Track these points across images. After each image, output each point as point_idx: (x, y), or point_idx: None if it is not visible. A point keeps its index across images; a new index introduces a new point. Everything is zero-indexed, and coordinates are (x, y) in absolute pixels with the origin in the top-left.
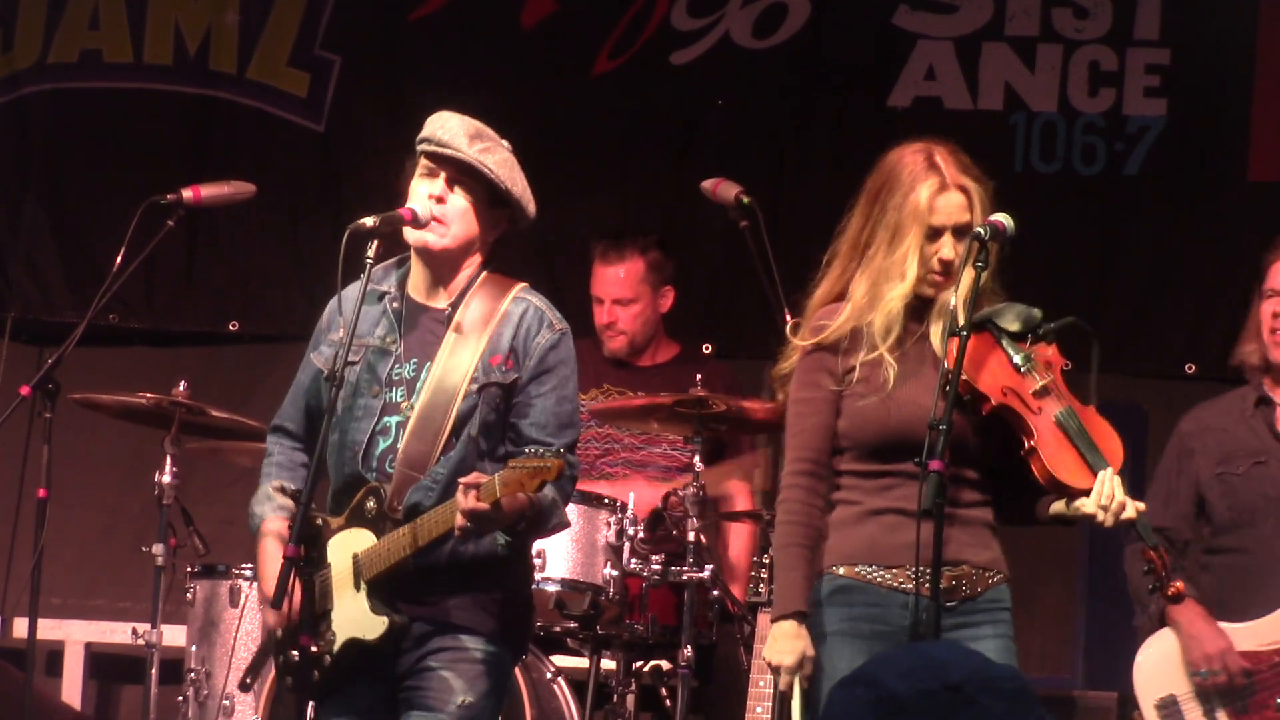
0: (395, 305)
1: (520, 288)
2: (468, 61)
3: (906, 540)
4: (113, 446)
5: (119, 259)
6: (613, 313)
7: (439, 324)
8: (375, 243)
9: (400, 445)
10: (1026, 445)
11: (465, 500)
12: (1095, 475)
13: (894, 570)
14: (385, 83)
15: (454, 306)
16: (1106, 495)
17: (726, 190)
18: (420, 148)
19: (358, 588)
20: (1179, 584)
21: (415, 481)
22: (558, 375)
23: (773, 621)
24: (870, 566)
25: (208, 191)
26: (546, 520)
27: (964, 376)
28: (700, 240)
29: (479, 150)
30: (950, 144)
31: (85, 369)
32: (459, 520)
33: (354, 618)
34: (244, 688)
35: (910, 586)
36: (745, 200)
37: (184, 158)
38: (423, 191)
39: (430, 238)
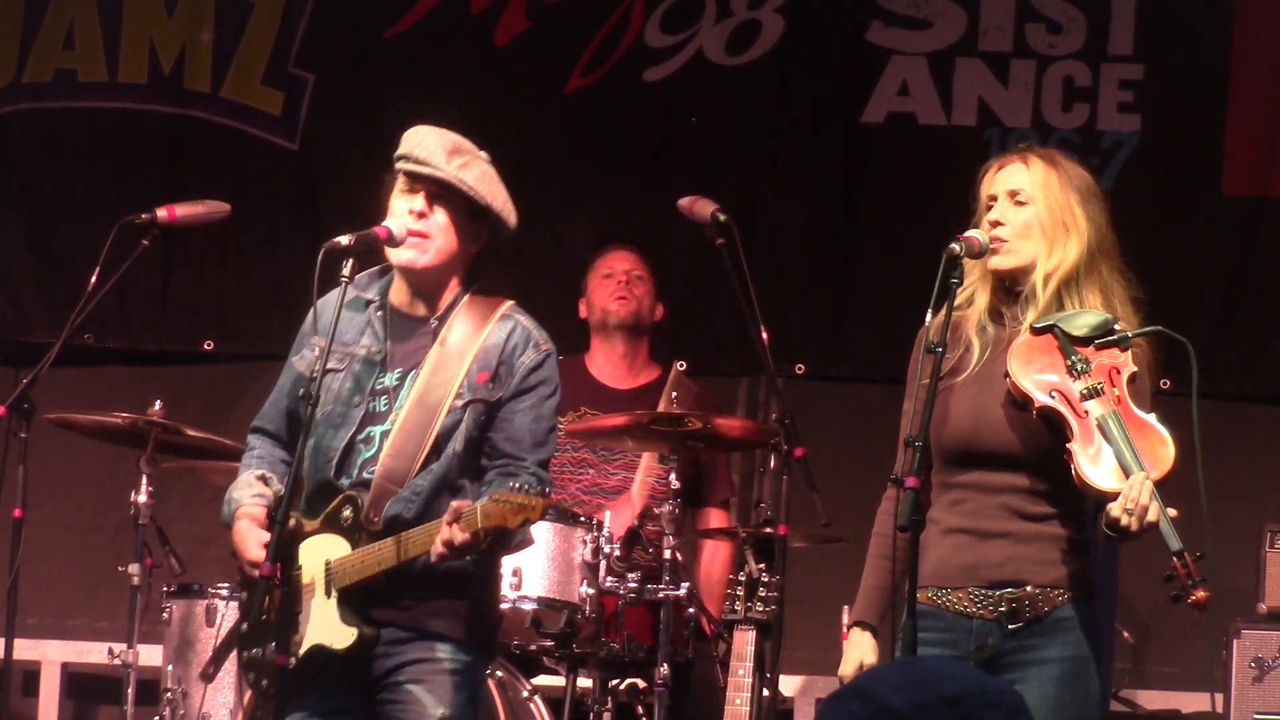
0: (380, 314)
1: (508, 306)
2: (441, 79)
3: (968, 561)
4: (88, 466)
5: (94, 279)
6: (629, 279)
7: (425, 336)
8: (351, 261)
9: (381, 456)
10: (1066, 448)
11: (447, 531)
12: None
13: (958, 593)
14: (359, 100)
15: (440, 320)
16: (1132, 499)
17: (702, 208)
18: (398, 165)
19: (328, 594)
20: (1202, 593)
21: (393, 493)
22: (537, 394)
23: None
24: (940, 590)
25: (182, 211)
26: (510, 539)
27: (1012, 379)
28: (676, 258)
29: (458, 166)
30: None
31: (61, 389)
32: (437, 548)
33: (323, 625)
34: (205, 678)
35: (974, 610)
36: (721, 218)
37: (159, 177)
38: (402, 208)
39: (411, 254)
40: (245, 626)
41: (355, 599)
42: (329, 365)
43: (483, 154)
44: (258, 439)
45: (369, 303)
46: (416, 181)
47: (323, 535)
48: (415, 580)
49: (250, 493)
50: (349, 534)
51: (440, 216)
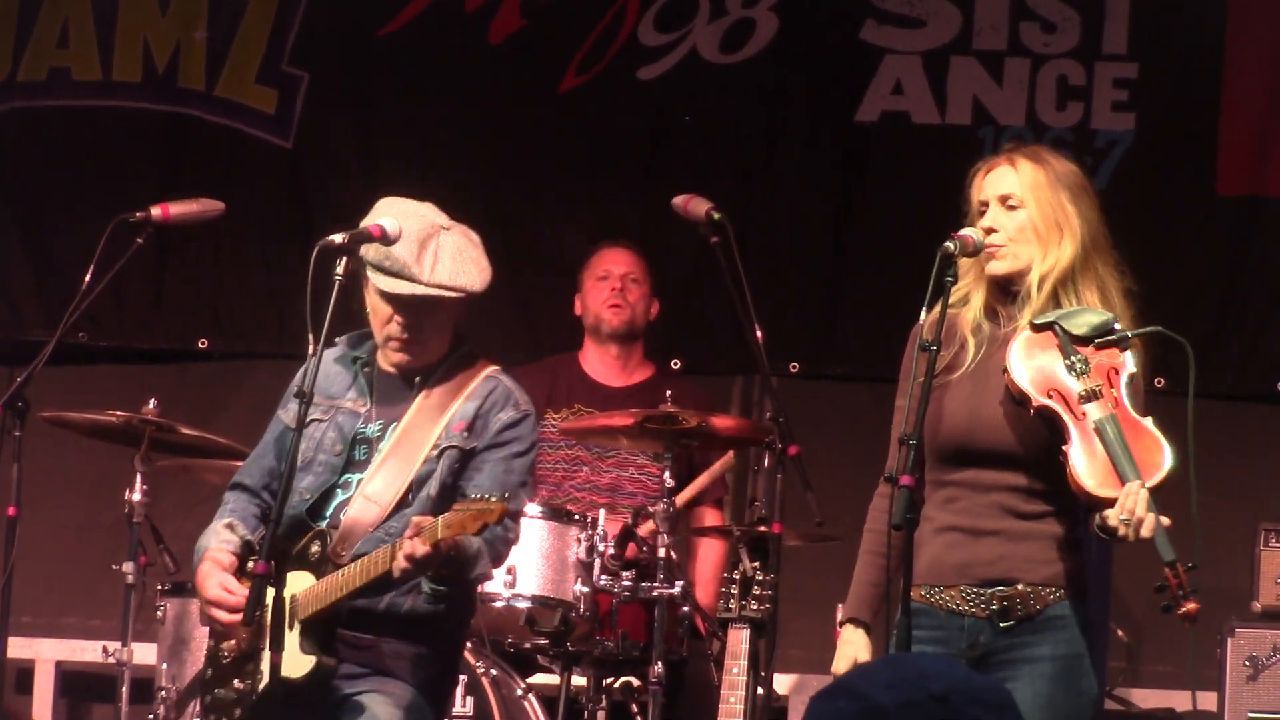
0: (368, 371)
1: (493, 369)
2: (435, 77)
3: (961, 559)
4: (82, 464)
5: (88, 277)
6: (624, 284)
7: (409, 390)
8: (344, 260)
9: (354, 498)
10: (1062, 450)
11: (408, 545)
12: (1124, 486)
13: (950, 591)
14: (353, 99)
15: (425, 374)
16: (1128, 509)
17: (697, 206)
18: (374, 281)
19: (290, 627)
20: (1192, 605)
21: (364, 533)
22: (509, 449)
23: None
24: (933, 588)
25: (176, 209)
26: (469, 568)
27: (1010, 375)
28: (671, 256)
29: (431, 265)
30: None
31: (55, 387)
32: (400, 562)
33: (283, 656)
34: None
35: (965, 608)
36: (716, 216)
37: (153, 175)
38: (386, 313)
39: (405, 359)
40: (210, 672)
41: (316, 631)
42: (314, 416)
43: (442, 217)
44: (234, 496)
45: (356, 359)
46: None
47: (291, 573)
48: (376, 619)
49: (217, 540)
50: (315, 568)
51: (431, 321)
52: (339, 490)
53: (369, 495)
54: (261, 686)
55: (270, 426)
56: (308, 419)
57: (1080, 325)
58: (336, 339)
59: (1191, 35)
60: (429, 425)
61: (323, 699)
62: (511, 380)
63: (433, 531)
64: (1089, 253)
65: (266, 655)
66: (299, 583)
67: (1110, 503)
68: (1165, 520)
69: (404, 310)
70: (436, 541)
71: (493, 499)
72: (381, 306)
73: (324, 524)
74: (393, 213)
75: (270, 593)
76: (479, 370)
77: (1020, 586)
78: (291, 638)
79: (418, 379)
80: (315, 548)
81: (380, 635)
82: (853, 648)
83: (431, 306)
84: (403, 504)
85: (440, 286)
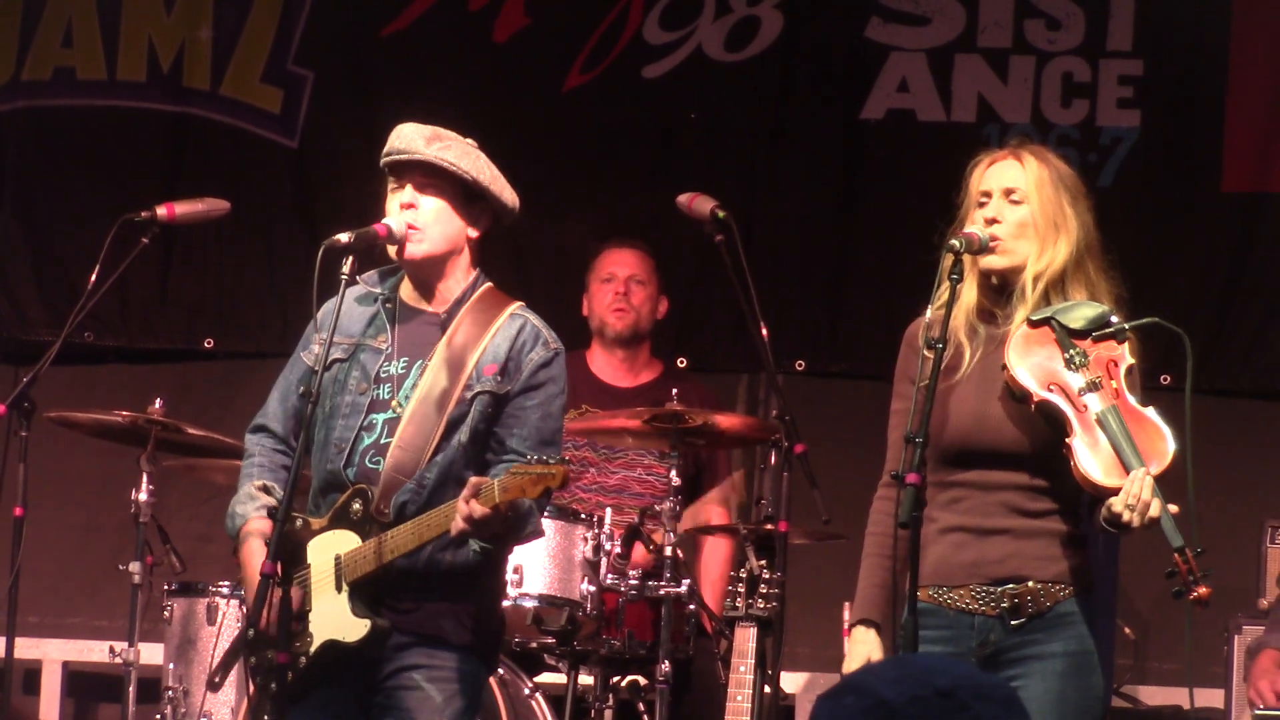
0: (389, 306)
1: (518, 305)
2: (440, 76)
3: (970, 558)
4: (88, 464)
5: (93, 277)
6: (628, 287)
7: (432, 327)
8: (350, 259)
9: (388, 445)
10: (1065, 443)
11: (465, 506)
12: (1128, 475)
13: (960, 591)
14: (358, 98)
15: (449, 314)
16: (1134, 495)
17: (702, 205)
18: (382, 161)
19: (339, 589)
20: (1204, 589)
21: (401, 485)
22: (546, 392)
23: (848, 629)
24: (940, 588)
25: (182, 209)
26: (522, 527)
27: (1009, 371)
28: (675, 254)
29: (438, 149)
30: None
31: (61, 387)
32: (457, 523)
33: (334, 619)
34: (212, 687)
35: (976, 606)
36: (721, 215)
37: (158, 175)
38: (395, 205)
39: (409, 248)
40: (252, 632)
41: (366, 593)
42: (335, 356)
43: (469, 140)
44: (259, 441)
45: (378, 296)
46: (401, 174)
47: (332, 531)
48: (418, 579)
49: (254, 506)
50: (359, 527)
51: (431, 203)
52: (365, 434)
53: (403, 445)
54: (312, 650)
55: (290, 365)
56: (329, 360)
57: (1077, 319)
58: (360, 276)
59: (1196, 32)
60: (458, 367)
61: (373, 666)
62: (537, 317)
63: (490, 494)
64: (1082, 256)
65: (314, 619)
66: (343, 543)
67: (1116, 492)
68: (1173, 507)
69: (408, 189)
70: (495, 504)
71: (552, 462)
72: (391, 202)
73: (353, 472)
74: (405, 125)
75: (315, 553)
76: (504, 306)
77: (1031, 584)
78: (341, 600)
79: (443, 314)
80: (357, 505)
81: (422, 600)
82: (866, 647)
83: (436, 186)
84: (437, 452)
85: (441, 160)
